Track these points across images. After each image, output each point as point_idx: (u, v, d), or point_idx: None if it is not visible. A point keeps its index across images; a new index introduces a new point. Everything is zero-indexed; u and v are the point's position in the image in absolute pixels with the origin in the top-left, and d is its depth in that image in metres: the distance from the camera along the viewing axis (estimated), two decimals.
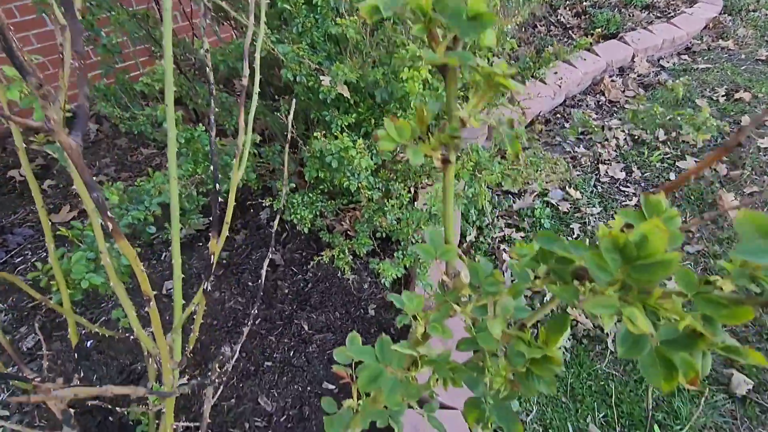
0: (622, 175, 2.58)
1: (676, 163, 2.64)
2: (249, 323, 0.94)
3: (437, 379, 0.49)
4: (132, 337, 1.09)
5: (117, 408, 1.08)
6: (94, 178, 2.39)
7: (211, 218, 2.15)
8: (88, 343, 1.65)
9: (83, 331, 1.68)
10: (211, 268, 0.82)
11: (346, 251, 1.83)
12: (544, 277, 0.35)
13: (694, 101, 3.12)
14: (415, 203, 2.04)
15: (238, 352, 1.63)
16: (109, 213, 0.52)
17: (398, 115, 1.55)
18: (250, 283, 1.89)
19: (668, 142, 2.80)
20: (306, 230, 1.92)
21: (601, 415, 1.59)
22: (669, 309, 0.29)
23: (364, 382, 0.42)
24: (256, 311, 1.06)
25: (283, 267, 1.98)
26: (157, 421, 1.27)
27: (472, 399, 0.43)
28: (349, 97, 1.44)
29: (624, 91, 3.30)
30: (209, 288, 0.84)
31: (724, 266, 0.30)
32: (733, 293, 0.29)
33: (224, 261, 1.99)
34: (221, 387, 1.31)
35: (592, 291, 0.31)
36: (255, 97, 0.94)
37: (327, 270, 1.96)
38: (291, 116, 0.93)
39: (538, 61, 2.35)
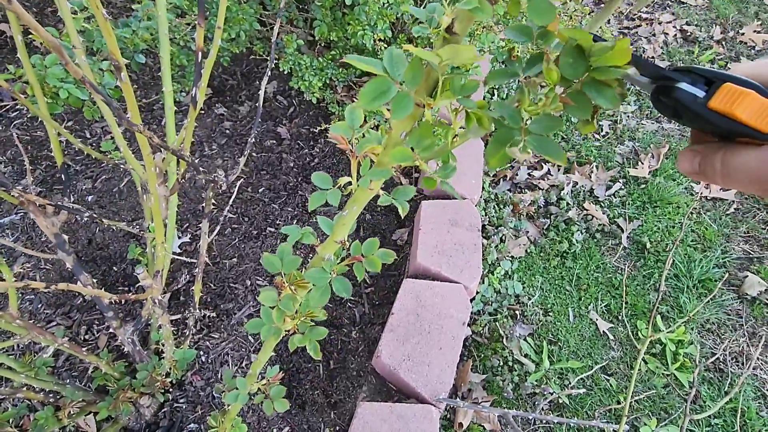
0: None
1: (728, 65, 2.37)
2: (248, 150, 0.86)
3: (455, 136, 0.40)
4: (123, 165, 1.03)
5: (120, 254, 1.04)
6: None
7: (211, 89, 2.01)
8: (89, 198, 1.62)
9: (81, 184, 1.64)
10: (199, 68, 0.71)
11: None
12: None
13: None
14: None
15: (235, 213, 1.59)
16: None
17: None
18: (254, 153, 1.81)
19: (724, 42, 2.50)
20: (314, 100, 1.79)
21: (603, 304, 1.57)
22: None
23: (367, 98, 0.32)
24: (256, 133, 0.97)
25: (288, 141, 1.87)
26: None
27: (501, 131, 0.34)
28: None
29: None
30: (197, 95, 0.74)
31: None
32: None
33: (228, 131, 1.89)
34: (218, 226, 1.28)
35: None
36: None
37: (334, 146, 1.86)
38: None
39: None
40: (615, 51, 0.28)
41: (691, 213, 1.76)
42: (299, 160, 1.81)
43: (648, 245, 1.69)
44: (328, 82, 1.75)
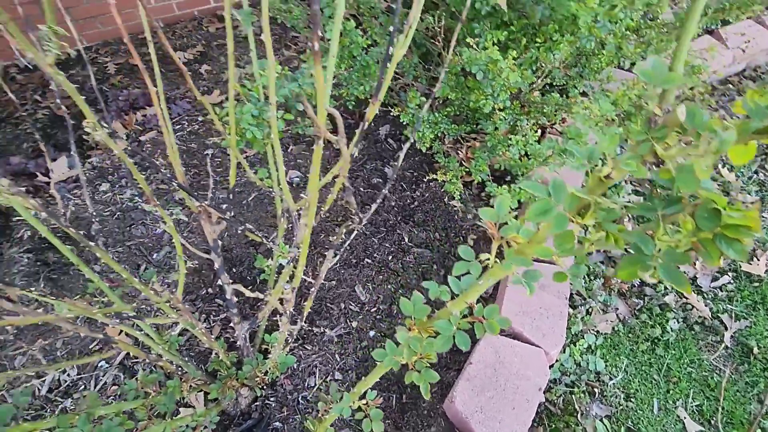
0: None
1: None
2: (380, 199, 1.01)
3: (592, 243, 0.49)
4: (273, 193, 1.25)
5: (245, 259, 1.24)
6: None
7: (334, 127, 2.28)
8: (223, 206, 1.91)
9: (218, 194, 1.95)
10: (362, 132, 0.88)
11: (458, 178, 1.84)
12: None
13: None
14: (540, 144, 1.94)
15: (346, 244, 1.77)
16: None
17: (554, 39, 1.43)
18: (361, 188, 2.00)
19: None
20: (423, 149, 1.95)
21: (695, 403, 1.47)
22: None
23: (534, 214, 0.43)
24: (388, 191, 1.13)
25: (393, 182, 2.05)
26: (277, 276, 1.46)
27: (635, 255, 0.43)
28: (505, 10, 1.37)
29: None
30: (355, 152, 0.91)
31: None
32: None
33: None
34: (341, 251, 1.45)
35: None
36: None
37: (435, 193, 1.99)
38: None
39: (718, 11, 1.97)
40: (747, 218, 0.37)
41: None
42: (400, 201, 1.97)
43: (755, 350, 1.56)
44: (439, 135, 1.91)
